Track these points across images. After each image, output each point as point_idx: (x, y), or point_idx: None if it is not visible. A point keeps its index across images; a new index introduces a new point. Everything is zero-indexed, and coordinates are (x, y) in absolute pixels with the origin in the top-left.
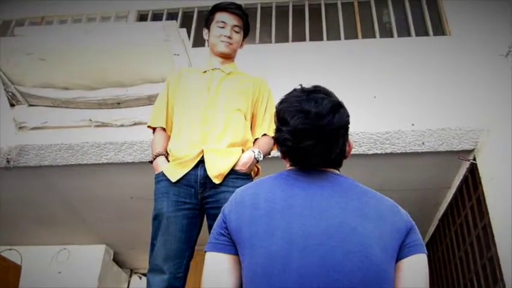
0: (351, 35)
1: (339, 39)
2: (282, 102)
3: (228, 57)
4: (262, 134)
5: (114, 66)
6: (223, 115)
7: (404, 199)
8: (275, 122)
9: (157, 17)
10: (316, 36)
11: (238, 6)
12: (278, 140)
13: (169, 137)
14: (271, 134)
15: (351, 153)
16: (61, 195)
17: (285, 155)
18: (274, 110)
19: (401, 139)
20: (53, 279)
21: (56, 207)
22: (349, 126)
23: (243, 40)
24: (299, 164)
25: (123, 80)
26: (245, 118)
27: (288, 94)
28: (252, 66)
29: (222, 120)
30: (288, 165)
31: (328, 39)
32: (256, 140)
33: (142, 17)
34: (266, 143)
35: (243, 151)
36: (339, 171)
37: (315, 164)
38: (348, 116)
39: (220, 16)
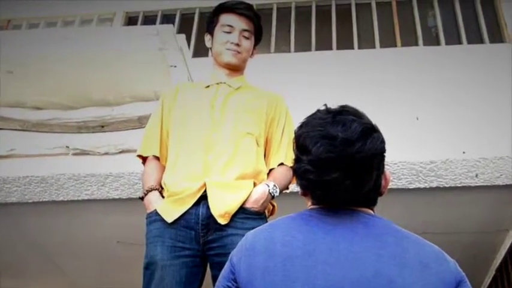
0: (388, 42)
1: (373, 47)
2: (302, 125)
3: (235, 68)
4: (279, 163)
5: (97, 81)
6: (231, 140)
7: (452, 244)
8: (294, 150)
9: (149, 19)
10: (345, 44)
11: (248, 6)
12: (297, 172)
13: (164, 168)
14: (290, 163)
15: (388, 187)
16: (32, 239)
17: (305, 191)
18: (293, 134)
19: (449, 170)
20: None
21: (26, 254)
22: (385, 154)
23: (254, 48)
24: (323, 201)
25: (108, 97)
26: (257, 144)
27: (309, 116)
28: (265, 80)
29: (229, 147)
30: (309, 203)
31: (359, 47)
32: (271, 170)
33: (131, 20)
34: (283, 174)
35: (254, 185)
36: (372, 210)
37: (342, 201)
38: (383, 142)
39: (226, 18)
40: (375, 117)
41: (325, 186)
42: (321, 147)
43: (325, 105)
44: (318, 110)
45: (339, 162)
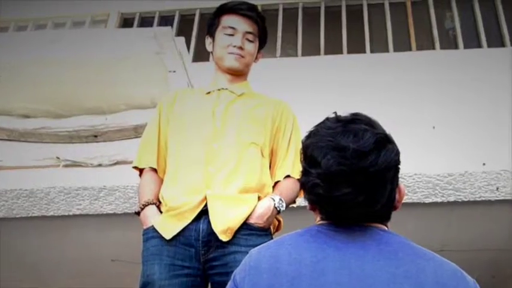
0: (402, 45)
1: (387, 50)
2: (310, 135)
3: (238, 74)
4: (285, 175)
5: (89, 87)
6: (233, 150)
7: (471, 262)
8: (301, 161)
9: (146, 21)
10: (356, 47)
11: (252, 7)
12: (305, 186)
13: (161, 181)
14: (297, 175)
15: (402, 202)
16: (20, 257)
17: (314, 205)
18: (301, 144)
19: (468, 183)
20: None
21: (14, 273)
22: (400, 166)
23: (258, 51)
24: (333, 217)
25: (102, 105)
26: (262, 154)
27: (318, 125)
28: (270, 87)
29: (231, 157)
30: (318, 218)
31: (372, 51)
32: (276, 183)
33: (126, 22)
34: (290, 187)
35: (259, 198)
36: (386, 226)
37: (354, 217)
38: (398, 153)
39: (228, 20)
40: (387, 126)
41: (336, 202)
42: (331, 160)
43: (335, 113)
44: (328, 119)
45: (350, 176)
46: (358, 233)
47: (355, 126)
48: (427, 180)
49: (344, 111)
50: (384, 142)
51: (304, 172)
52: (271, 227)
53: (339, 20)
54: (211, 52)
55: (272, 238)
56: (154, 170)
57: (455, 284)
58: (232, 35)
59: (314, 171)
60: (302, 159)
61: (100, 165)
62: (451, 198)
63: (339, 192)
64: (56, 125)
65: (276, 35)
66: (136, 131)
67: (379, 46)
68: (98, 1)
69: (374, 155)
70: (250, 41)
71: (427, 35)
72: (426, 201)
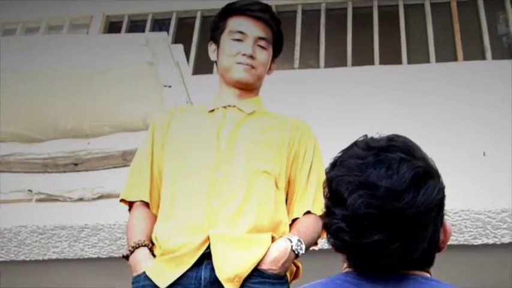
0: (446, 54)
1: (427, 61)
2: (335, 164)
3: (248, 88)
4: (305, 211)
5: (68, 105)
6: (242, 181)
7: None
8: (324, 196)
9: (136, 25)
10: (390, 57)
11: (265, 7)
12: (328, 229)
13: (155, 217)
14: (319, 212)
15: (448, 243)
16: None
17: (339, 251)
18: (323, 174)
19: None
20: None
21: None
22: (444, 202)
23: (272, 61)
24: (363, 266)
25: (83, 127)
26: (276, 186)
27: (345, 151)
28: (287, 103)
29: (239, 189)
30: (345, 265)
31: (409, 61)
32: (294, 221)
33: (112, 26)
34: (310, 226)
35: (273, 239)
36: (428, 272)
37: (388, 266)
38: (441, 190)
39: (236, 23)
40: (428, 152)
41: (365, 251)
42: (359, 200)
43: (366, 136)
44: (356, 144)
45: (382, 221)
46: (394, 283)
47: (390, 155)
48: (476, 218)
49: (376, 133)
50: (424, 177)
51: (328, 212)
52: (288, 274)
53: (369, 24)
54: (216, 62)
55: (289, 287)
56: (146, 205)
57: None
58: (241, 40)
59: (339, 212)
60: (325, 193)
61: (81, 199)
62: (505, 240)
63: (368, 239)
64: (28, 151)
65: (293, 41)
66: (125, 158)
67: (418, 56)
68: (79, 1)
69: (411, 194)
70: (263, 49)
71: (476, 42)
72: (475, 243)
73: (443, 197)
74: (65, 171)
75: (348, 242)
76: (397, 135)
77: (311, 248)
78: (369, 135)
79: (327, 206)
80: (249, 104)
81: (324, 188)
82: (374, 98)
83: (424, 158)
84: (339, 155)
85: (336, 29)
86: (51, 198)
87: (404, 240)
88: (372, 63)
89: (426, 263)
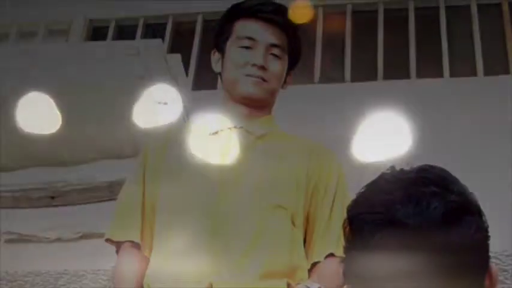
0: (496, 67)
1: (474, 74)
2: (358, 201)
3: (259, 105)
4: (327, 254)
5: (43, 127)
6: (252, 217)
7: None
8: (344, 238)
9: (125, 31)
10: (429, 68)
11: (279, 8)
12: (348, 276)
13: (147, 261)
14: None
15: None
16: None
17: None
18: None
19: None
20: None
21: None
22: (489, 242)
23: (288, 73)
24: None
25: (62, 153)
26: (293, 223)
27: (370, 185)
28: (305, 124)
29: (248, 227)
30: None
31: (452, 74)
32: (315, 264)
33: (97, 32)
34: (334, 271)
35: (289, 286)
36: None
37: None
38: (481, 228)
39: (244, 27)
40: (471, 186)
41: None
42: (386, 240)
43: (393, 167)
44: (383, 176)
45: None
46: None
47: (420, 189)
48: None
49: (408, 162)
50: (459, 213)
51: (348, 254)
52: None
53: (403, 30)
54: (220, 74)
55: None
56: (137, 246)
57: None
58: (250, 48)
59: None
60: (346, 234)
61: (59, 239)
62: None
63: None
64: None
65: (313, 50)
66: (111, 191)
67: (463, 67)
68: (57, 2)
69: (443, 231)
70: (277, 58)
71: None
72: None
73: (486, 237)
74: (39, 207)
75: None
76: (430, 166)
77: None
78: (398, 166)
79: (345, 249)
80: (260, 125)
81: (344, 228)
82: (408, 117)
83: (461, 192)
84: (362, 190)
85: (363, 34)
86: (23, 239)
87: (438, 285)
88: (407, 76)
89: None
